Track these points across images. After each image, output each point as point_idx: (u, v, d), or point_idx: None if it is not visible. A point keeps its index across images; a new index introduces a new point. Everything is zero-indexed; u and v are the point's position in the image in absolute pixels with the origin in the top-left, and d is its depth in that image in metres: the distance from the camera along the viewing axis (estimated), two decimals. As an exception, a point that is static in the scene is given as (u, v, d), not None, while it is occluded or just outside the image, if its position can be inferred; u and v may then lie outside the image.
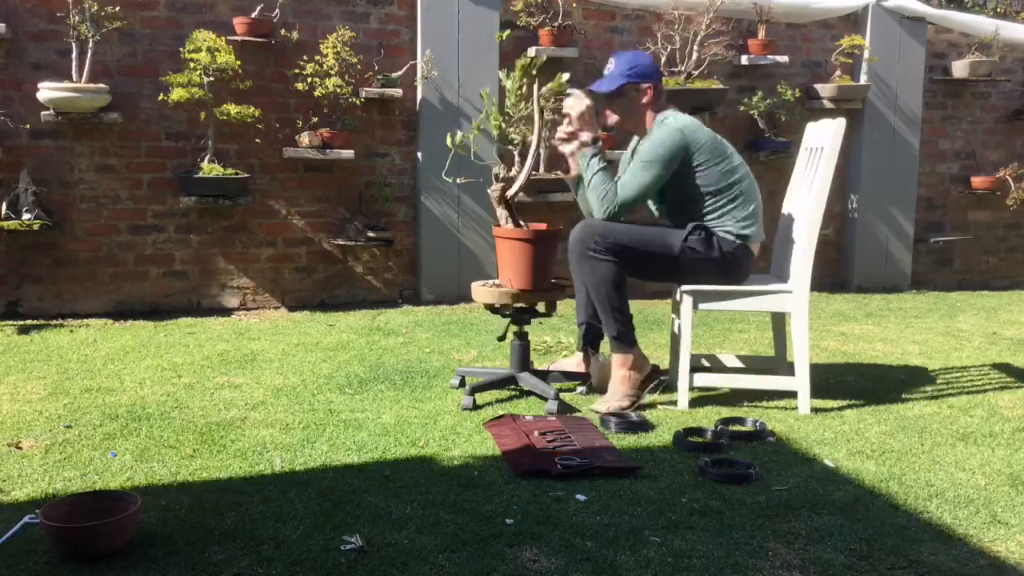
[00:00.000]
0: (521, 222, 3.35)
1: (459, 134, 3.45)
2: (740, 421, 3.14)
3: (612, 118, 3.49)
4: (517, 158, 3.35)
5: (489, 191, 3.38)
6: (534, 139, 3.26)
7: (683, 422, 3.13)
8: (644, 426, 3.10)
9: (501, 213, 3.36)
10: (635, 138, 3.59)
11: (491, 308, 3.38)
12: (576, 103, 3.34)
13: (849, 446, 2.95)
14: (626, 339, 3.37)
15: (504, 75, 3.32)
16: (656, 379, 3.47)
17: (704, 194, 3.35)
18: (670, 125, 3.34)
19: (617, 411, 3.21)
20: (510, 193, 3.31)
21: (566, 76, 3.23)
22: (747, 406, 3.38)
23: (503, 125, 3.31)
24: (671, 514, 2.38)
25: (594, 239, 3.28)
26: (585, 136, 3.35)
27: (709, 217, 3.36)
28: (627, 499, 2.48)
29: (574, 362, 3.67)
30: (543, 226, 3.40)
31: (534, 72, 3.26)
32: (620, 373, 3.36)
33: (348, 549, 2.14)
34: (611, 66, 3.46)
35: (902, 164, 6.28)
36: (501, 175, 3.31)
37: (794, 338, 3.35)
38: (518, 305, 3.35)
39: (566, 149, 3.40)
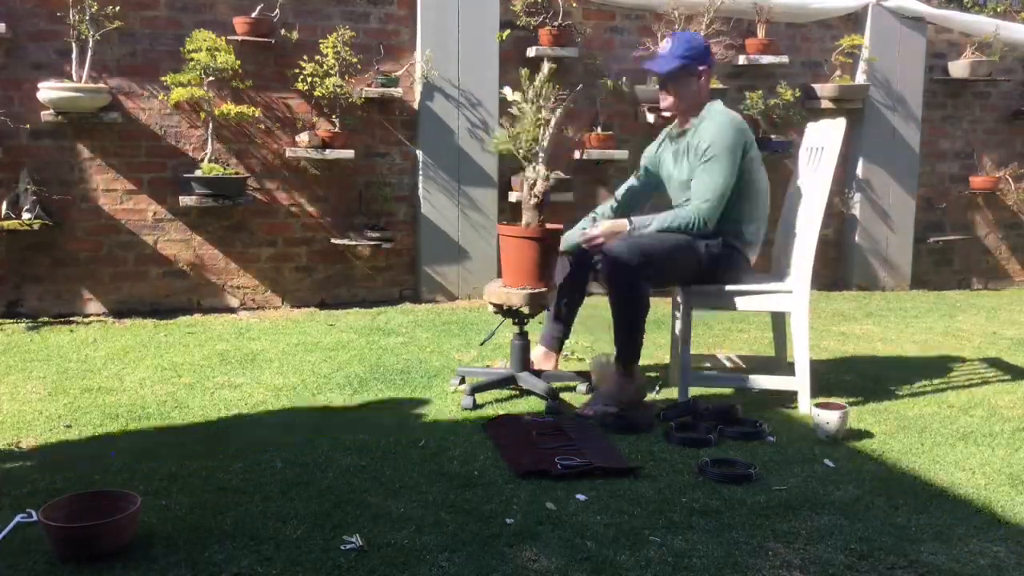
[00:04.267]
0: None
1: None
2: (740, 423, 3.13)
3: (667, 100, 3.45)
4: (530, 162, 3.34)
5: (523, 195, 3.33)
6: (545, 141, 3.29)
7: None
8: (644, 426, 3.10)
9: (532, 214, 3.31)
10: (662, 136, 3.58)
11: (499, 308, 3.38)
12: (597, 231, 3.34)
13: (849, 446, 2.95)
14: (632, 357, 3.33)
15: (512, 92, 3.31)
16: (642, 397, 3.42)
17: (743, 196, 3.33)
18: (723, 114, 3.34)
19: (601, 414, 3.19)
20: (538, 190, 3.28)
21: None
22: (747, 406, 3.38)
23: (519, 134, 3.31)
24: (671, 514, 2.38)
25: (636, 266, 3.20)
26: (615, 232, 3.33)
27: (729, 221, 3.33)
28: (627, 499, 2.48)
29: (538, 355, 3.64)
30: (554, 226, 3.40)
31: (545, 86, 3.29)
32: (616, 381, 3.33)
33: (348, 549, 2.14)
34: (667, 45, 3.43)
35: (902, 164, 6.28)
36: (531, 178, 3.28)
37: (794, 338, 3.35)
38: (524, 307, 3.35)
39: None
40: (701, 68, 3.38)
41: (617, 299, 3.28)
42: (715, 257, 3.32)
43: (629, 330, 3.30)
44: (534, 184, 3.25)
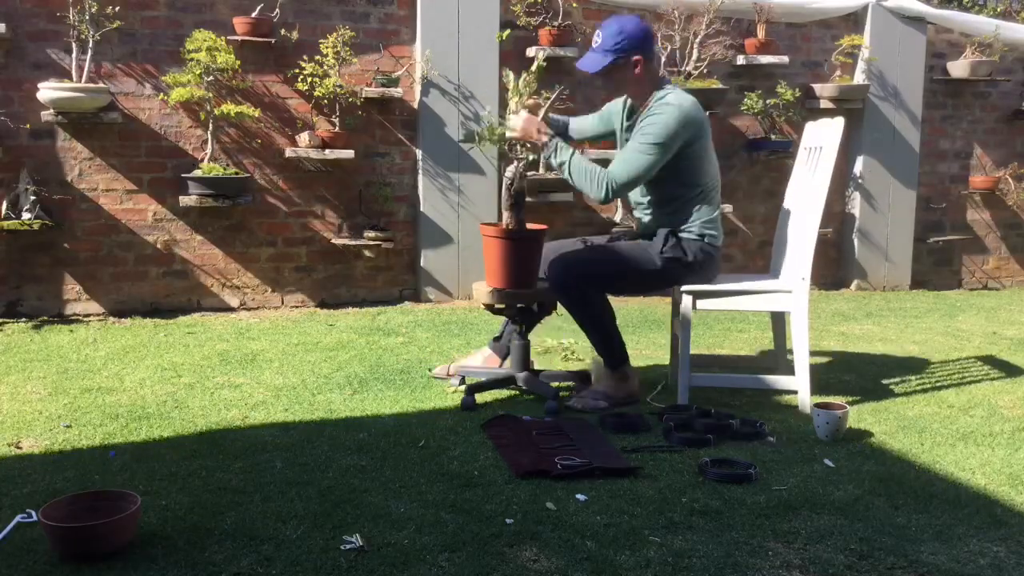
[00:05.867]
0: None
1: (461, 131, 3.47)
2: (739, 424, 3.13)
3: (608, 95, 3.45)
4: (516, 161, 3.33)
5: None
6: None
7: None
8: (643, 426, 3.10)
9: (509, 214, 3.30)
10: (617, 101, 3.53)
11: (490, 308, 3.39)
12: (516, 122, 3.25)
13: (849, 446, 2.95)
14: (617, 359, 3.37)
15: (509, 79, 3.30)
16: (636, 399, 3.41)
17: (688, 184, 3.30)
18: (672, 104, 3.21)
19: (591, 408, 3.24)
20: (516, 188, 3.28)
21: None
22: (747, 406, 3.38)
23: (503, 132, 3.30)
24: (671, 514, 2.38)
25: (573, 275, 3.25)
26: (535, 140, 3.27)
27: (683, 214, 3.32)
28: (627, 499, 2.48)
29: (480, 358, 3.65)
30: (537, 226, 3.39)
31: (534, 82, 3.27)
32: (609, 380, 3.37)
33: (348, 549, 2.14)
34: (597, 40, 3.28)
35: (902, 164, 6.28)
36: (508, 178, 3.27)
37: (794, 338, 3.35)
38: (519, 305, 3.35)
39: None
40: (635, 58, 3.23)
41: (568, 306, 3.32)
42: (672, 264, 3.31)
43: (598, 335, 3.35)
44: (512, 183, 3.24)
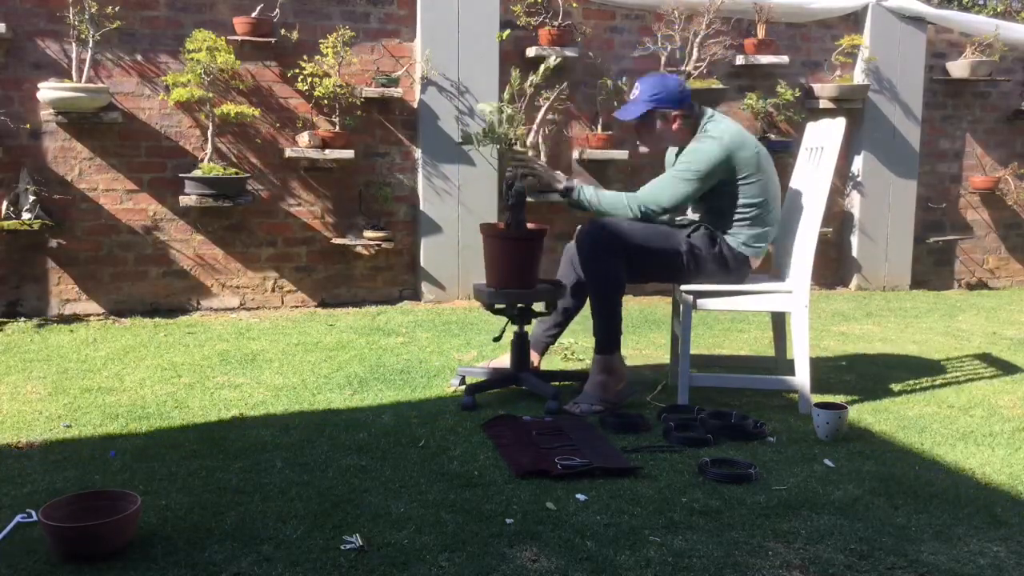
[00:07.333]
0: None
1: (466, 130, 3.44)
2: (741, 419, 3.13)
3: (643, 148, 3.47)
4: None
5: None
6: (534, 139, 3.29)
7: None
8: (643, 426, 3.10)
9: (511, 214, 3.32)
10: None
11: (490, 308, 3.39)
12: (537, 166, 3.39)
13: (849, 446, 2.95)
14: (610, 343, 3.34)
15: (515, 77, 3.30)
16: (631, 393, 3.40)
17: (728, 206, 3.33)
18: (713, 136, 3.27)
19: (589, 414, 3.22)
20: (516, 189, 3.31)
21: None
22: (747, 406, 3.38)
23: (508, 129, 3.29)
24: (671, 514, 2.38)
25: (603, 239, 3.26)
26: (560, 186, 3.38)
27: (723, 226, 3.35)
28: (627, 499, 2.48)
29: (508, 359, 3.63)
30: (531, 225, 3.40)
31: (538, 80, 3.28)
32: (598, 378, 3.33)
33: (348, 549, 2.14)
34: (636, 91, 3.40)
35: (902, 164, 6.28)
36: (508, 178, 3.29)
37: (794, 338, 3.35)
38: (519, 305, 3.36)
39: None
40: (673, 113, 3.35)
41: (588, 272, 3.32)
42: (697, 251, 3.32)
43: (603, 310, 3.32)
44: (511, 184, 3.28)
